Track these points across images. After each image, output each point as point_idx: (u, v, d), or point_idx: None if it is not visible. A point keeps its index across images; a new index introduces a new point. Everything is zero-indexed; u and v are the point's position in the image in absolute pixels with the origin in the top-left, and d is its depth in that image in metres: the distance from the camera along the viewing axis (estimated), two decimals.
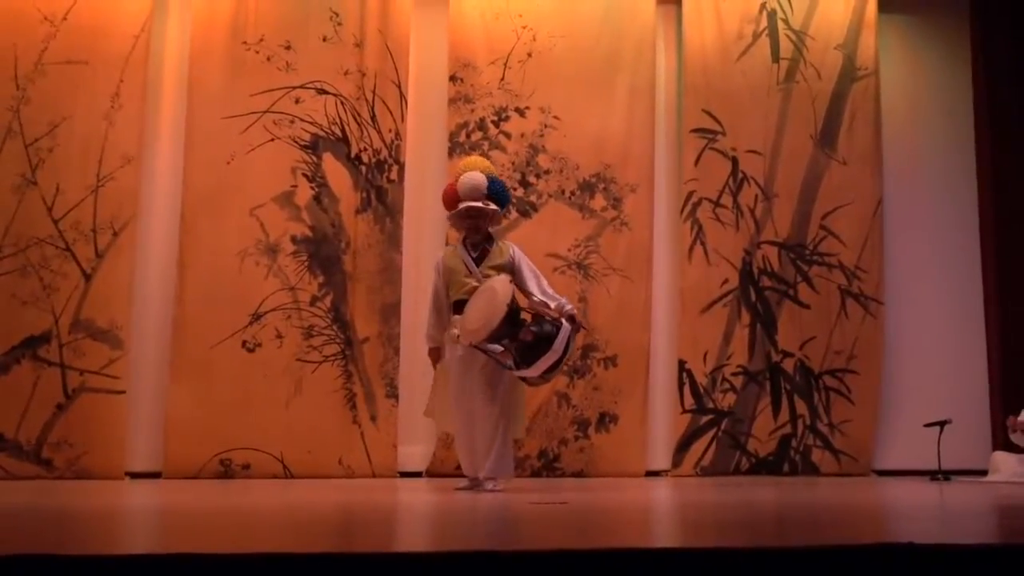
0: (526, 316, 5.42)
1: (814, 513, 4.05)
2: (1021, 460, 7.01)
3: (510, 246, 5.77)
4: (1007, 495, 5.60)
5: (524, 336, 5.19)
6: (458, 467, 6.86)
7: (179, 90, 7.06)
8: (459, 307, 5.51)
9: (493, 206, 5.66)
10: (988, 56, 8.00)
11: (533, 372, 5.24)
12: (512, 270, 5.60)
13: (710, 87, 7.67)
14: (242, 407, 6.68)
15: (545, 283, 5.70)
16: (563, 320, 5.34)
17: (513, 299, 5.30)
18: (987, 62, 8.00)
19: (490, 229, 5.74)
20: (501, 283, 5.40)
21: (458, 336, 5.43)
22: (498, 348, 5.29)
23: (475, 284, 5.51)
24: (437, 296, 5.72)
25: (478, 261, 5.63)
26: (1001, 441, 7.37)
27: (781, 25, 7.83)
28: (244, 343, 6.78)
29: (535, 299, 5.54)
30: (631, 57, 7.51)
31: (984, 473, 7.16)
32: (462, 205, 5.64)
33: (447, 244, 6.20)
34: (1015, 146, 7.88)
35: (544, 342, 5.19)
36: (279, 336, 6.83)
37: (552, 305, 5.49)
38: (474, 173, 5.67)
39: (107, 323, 6.63)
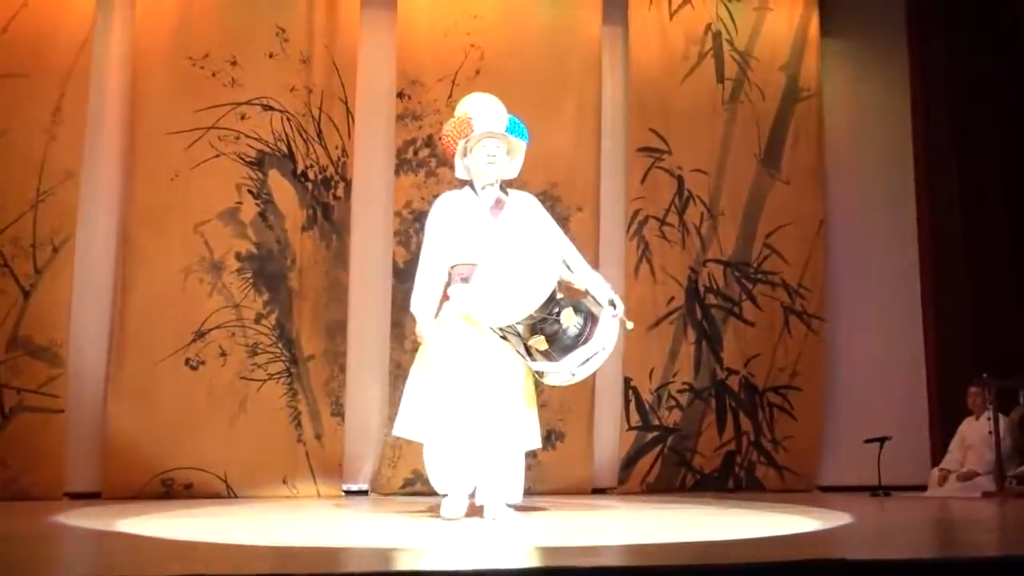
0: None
1: (757, 529, 4.09)
2: (960, 475, 7.16)
3: (529, 198, 4.65)
4: (944, 510, 5.70)
5: (567, 319, 4.14)
6: (406, 484, 6.88)
7: (122, 105, 6.96)
8: (465, 272, 4.39)
9: (517, 140, 4.55)
10: (925, 79, 8.19)
11: (566, 366, 4.17)
12: (533, 229, 4.48)
13: (656, 107, 7.75)
14: (185, 426, 6.58)
15: (574, 249, 4.56)
16: (603, 303, 4.32)
17: (562, 279, 4.26)
18: (924, 85, 8.19)
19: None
20: (540, 252, 4.30)
21: (472, 314, 4.28)
22: (521, 333, 4.24)
23: (493, 244, 4.35)
24: (434, 256, 4.47)
25: (495, 214, 4.47)
26: (940, 457, 7.51)
27: (726, 46, 7.94)
28: (187, 361, 6.69)
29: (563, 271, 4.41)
30: (578, 77, 7.56)
31: (923, 488, 7.29)
32: (480, 132, 4.46)
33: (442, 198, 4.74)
34: (951, 166, 8.06)
35: (585, 328, 4.21)
36: (223, 354, 6.75)
37: (586, 281, 4.42)
38: (492, 98, 4.58)
39: (46, 341, 6.49)
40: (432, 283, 4.46)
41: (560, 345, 4.17)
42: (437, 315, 4.48)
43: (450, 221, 4.46)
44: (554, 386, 4.48)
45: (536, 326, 4.16)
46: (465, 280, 4.35)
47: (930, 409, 7.90)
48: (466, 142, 4.47)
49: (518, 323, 4.15)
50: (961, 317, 7.85)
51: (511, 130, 4.50)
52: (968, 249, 7.95)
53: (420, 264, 4.53)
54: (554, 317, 4.14)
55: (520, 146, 4.58)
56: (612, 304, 4.32)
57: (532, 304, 4.07)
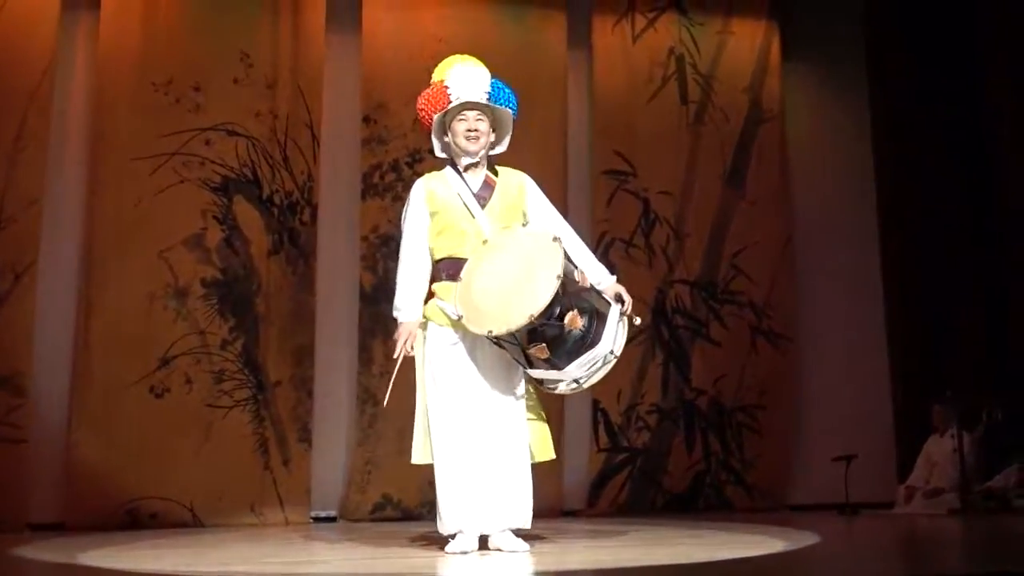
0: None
1: (726, 551, 4.10)
2: (926, 492, 7.21)
3: (520, 176, 4.14)
4: (911, 527, 5.73)
5: (571, 323, 3.63)
6: (376, 509, 6.83)
7: (86, 131, 6.89)
8: (451, 267, 3.93)
9: (503, 108, 4.05)
10: (885, 99, 8.31)
11: (570, 373, 3.70)
12: (527, 213, 4.06)
13: (621, 129, 7.81)
14: (149, 454, 6.50)
15: (574, 235, 4.04)
16: (609, 299, 3.82)
17: (565, 273, 3.68)
18: (884, 105, 8.30)
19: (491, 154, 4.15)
20: (540, 242, 3.78)
21: (460, 318, 3.78)
22: (520, 340, 3.74)
23: (482, 234, 3.91)
24: (415, 247, 3.98)
25: (482, 198, 3.99)
26: (906, 475, 7.57)
27: (689, 69, 8.01)
28: (152, 388, 6.62)
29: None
30: (543, 100, 7.58)
31: (890, 506, 7.34)
32: (459, 101, 3.98)
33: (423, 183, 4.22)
34: (913, 186, 8.17)
35: (591, 329, 3.70)
36: (188, 381, 6.68)
37: (589, 274, 3.88)
38: (472, 63, 4.13)
39: (8, 370, 6.38)
40: (413, 280, 3.96)
41: (563, 351, 3.65)
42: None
43: (431, 208, 3.98)
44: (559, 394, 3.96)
45: (536, 331, 3.64)
46: (452, 277, 3.88)
47: (896, 427, 7.96)
48: (443, 115, 3.99)
49: (516, 331, 3.63)
50: (925, 335, 7.93)
51: (495, 98, 4.01)
52: (931, 267, 8.04)
53: (400, 261, 4.05)
54: (556, 321, 3.62)
55: (507, 117, 4.08)
56: (620, 300, 3.82)
57: (532, 309, 3.55)
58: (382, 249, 7.13)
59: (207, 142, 6.95)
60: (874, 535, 4.98)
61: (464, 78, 4.02)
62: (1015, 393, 7.17)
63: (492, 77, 4.13)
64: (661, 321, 7.67)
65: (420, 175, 7.04)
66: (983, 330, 7.88)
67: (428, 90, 4.11)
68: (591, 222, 7.70)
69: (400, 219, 4.21)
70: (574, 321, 3.63)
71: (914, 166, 8.17)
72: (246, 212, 6.97)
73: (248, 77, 7.08)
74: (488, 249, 3.85)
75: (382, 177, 7.27)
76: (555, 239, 3.76)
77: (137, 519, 6.41)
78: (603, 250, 7.61)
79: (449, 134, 4.05)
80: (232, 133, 7.00)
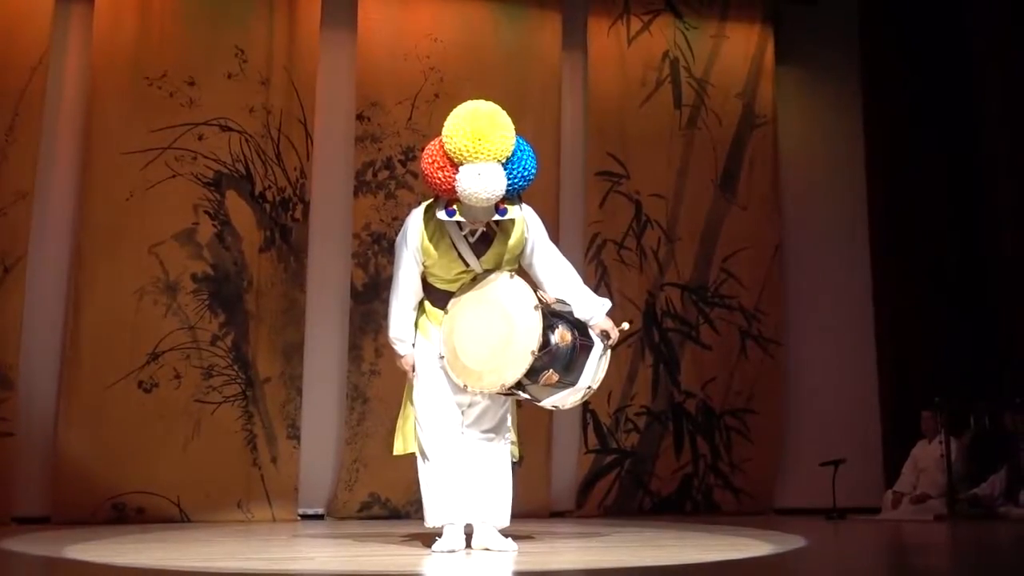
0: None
1: (713, 554, 4.11)
2: (913, 498, 7.23)
3: (524, 217, 4.04)
4: (898, 533, 5.75)
5: (548, 380, 3.83)
6: (363, 508, 6.83)
7: (77, 124, 6.88)
8: (442, 299, 4.07)
9: (512, 213, 3.92)
10: (877, 105, 8.32)
11: (550, 401, 3.95)
12: (524, 257, 4.10)
13: (614, 131, 7.82)
14: (137, 449, 6.49)
15: (571, 269, 4.13)
16: (594, 336, 3.96)
17: (542, 339, 3.81)
18: (876, 111, 8.32)
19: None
20: (523, 306, 3.86)
21: (442, 358, 4.00)
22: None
23: (474, 276, 4.03)
24: (406, 281, 4.07)
25: (478, 247, 4.01)
26: (893, 480, 7.59)
27: (683, 73, 8.03)
28: (140, 383, 6.60)
29: (550, 301, 3.96)
30: (537, 101, 7.59)
31: (877, 511, 7.36)
32: (466, 226, 3.99)
33: (420, 206, 4.16)
34: (904, 191, 8.19)
35: (568, 376, 3.90)
36: (177, 376, 6.66)
37: (580, 311, 3.98)
38: (490, 173, 3.81)
39: None
40: (404, 311, 4.12)
41: (541, 388, 3.90)
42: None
43: (425, 254, 4.02)
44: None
45: (531, 372, 3.82)
46: (440, 307, 4.06)
47: (884, 432, 7.98)
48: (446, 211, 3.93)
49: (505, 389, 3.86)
50: (914, 341, 7.95)
51: (507, 194, 3.85)
52: (921, 273, 8.07)
53: (393, 290, 4.15)
54: (548, 378, 3.84)
55: (518, 211, 4.01)
56: (606, 336, 3.96)
57: (504, 380, 3.81)
58: (374, 247, 7.12)
59: (200, 137, 6.94)
60: (860, 540, 4.99)
61: (477, 202, 3.81)
62: (1003, 400, 7.19)
63: (508, 162, 3.88)
64: (651, 324, 7.67)
65: (412, 173, 7.19)
66: (972, 337, 7.90)
67: (438, 164, 3.90)
68: (584, 223, 7.71)
69: (395, 231, 4.31)
70: (550, 378, 3.84)
71: (906, 172, 8.19)
72: (238, 208, 6.96)
73: (242, 72, 7.07)
74: (473, 299, 3.98)
75: (375, 175, 7.27)
76: (536, 307, 3.85)
77: (123, 514, 6.40)
78: (595, 251, 7.63)
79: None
80: (225, 128, 6.99)
